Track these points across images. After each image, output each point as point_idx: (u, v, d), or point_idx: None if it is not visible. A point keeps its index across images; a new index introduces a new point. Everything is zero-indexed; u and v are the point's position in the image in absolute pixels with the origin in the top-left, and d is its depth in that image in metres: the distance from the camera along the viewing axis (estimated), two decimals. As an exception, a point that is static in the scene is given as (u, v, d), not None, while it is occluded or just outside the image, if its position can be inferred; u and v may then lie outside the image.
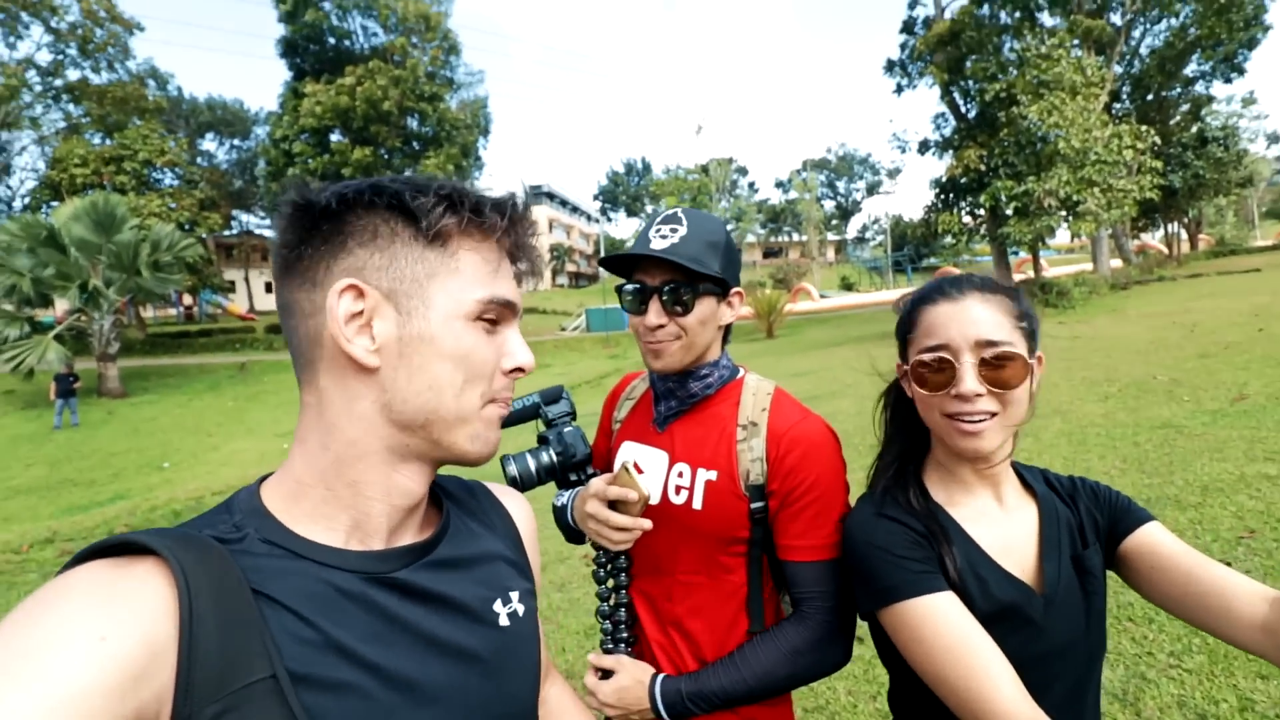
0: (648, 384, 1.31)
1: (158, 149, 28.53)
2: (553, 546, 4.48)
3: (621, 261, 1.17)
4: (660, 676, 1.14)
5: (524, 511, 0.83)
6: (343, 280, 0.58)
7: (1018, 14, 16.84)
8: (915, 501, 0.99)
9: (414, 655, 0.59)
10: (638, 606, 1.22)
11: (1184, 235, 31.22)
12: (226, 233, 38.72)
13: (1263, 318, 9.47)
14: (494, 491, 0.83)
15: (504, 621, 0.68)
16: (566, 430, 1.16)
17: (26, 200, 31.93)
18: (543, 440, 1.16)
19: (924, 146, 19.02)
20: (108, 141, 29.22)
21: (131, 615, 0.47)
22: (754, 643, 1.10)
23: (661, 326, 1.13)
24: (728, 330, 1.23)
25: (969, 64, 16.96)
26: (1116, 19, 18.13)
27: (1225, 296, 12.86)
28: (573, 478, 1.22)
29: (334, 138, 28.19)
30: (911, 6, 19.32)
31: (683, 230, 1.12)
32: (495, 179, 60.33)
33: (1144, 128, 14.76)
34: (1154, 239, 36.95)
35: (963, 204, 17.71)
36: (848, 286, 43.49)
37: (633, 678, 1.14)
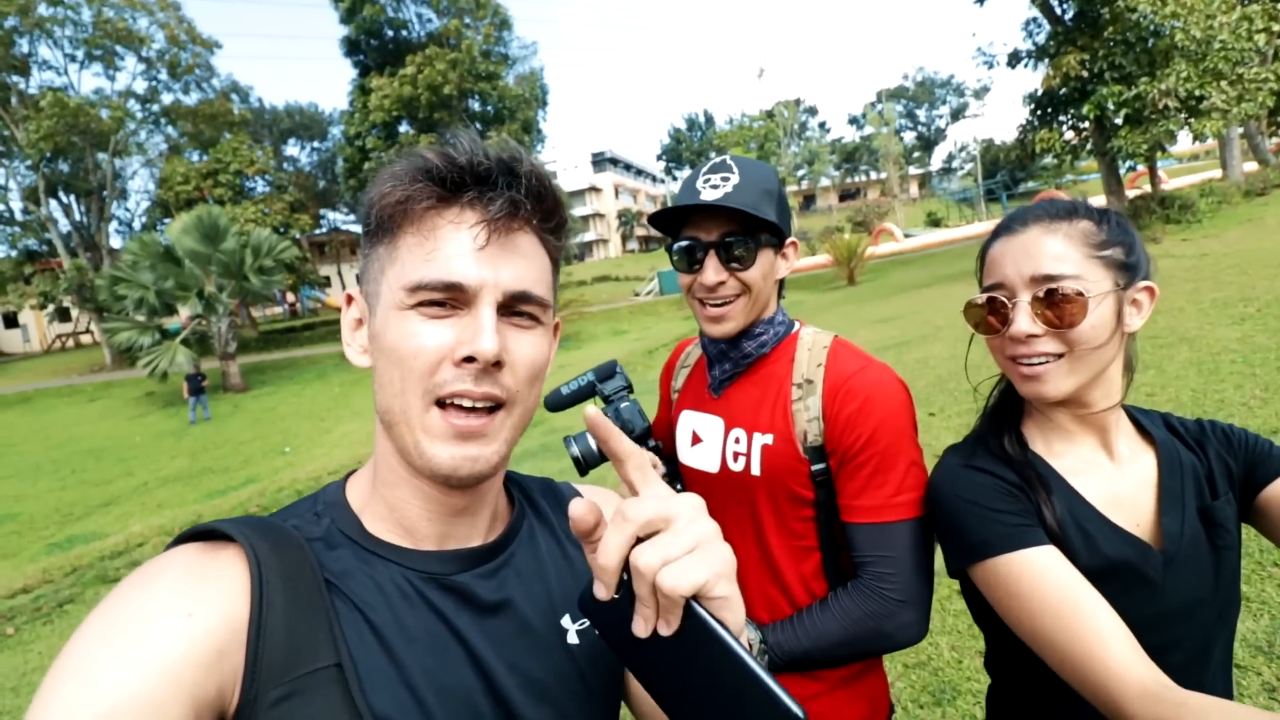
0: (700, 350, 1.24)
1: (247, 159, 30.51)
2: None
3: (670, 217, 1.08)
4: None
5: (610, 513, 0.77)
6: (347, 291, 0.64)
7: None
8: (1011, 450, 0.89)
9: (465, 672, 0.57)
10: None
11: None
12: (317, 231, 41.12)
13: None
14: (582, 493, 0.78)
15: (573, 639, 0.63)
16: (624, 406, 1.11)
17: (143, 220, 35.12)
18: (604, 415, 1.12)
19: (1014, 59, 17.26)
20: (204, 157, 31.51)
21: (215, 595, 0.50)
22: (814, 606, 1.04)
23: (721, 284, 1.04)
24: (781, 284, 1.15)
25: (1062, -43, 15.15)
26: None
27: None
28: None
29: (402, 129, 29.02)
30: (990, -98, 17.42)
31: (735, 178, 1.03)
32: (557, 150, 60.44)
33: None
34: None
35: (1063, 118, 16.04)
36: (935, 223, 40.82)
37: None
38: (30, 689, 4.07)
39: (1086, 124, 15.27)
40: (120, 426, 17.04)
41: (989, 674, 1.02)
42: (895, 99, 63.99)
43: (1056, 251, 0.83)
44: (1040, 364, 0.84)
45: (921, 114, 67.03)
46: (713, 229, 1.04)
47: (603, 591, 0.43)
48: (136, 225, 35.26)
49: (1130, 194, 16.41)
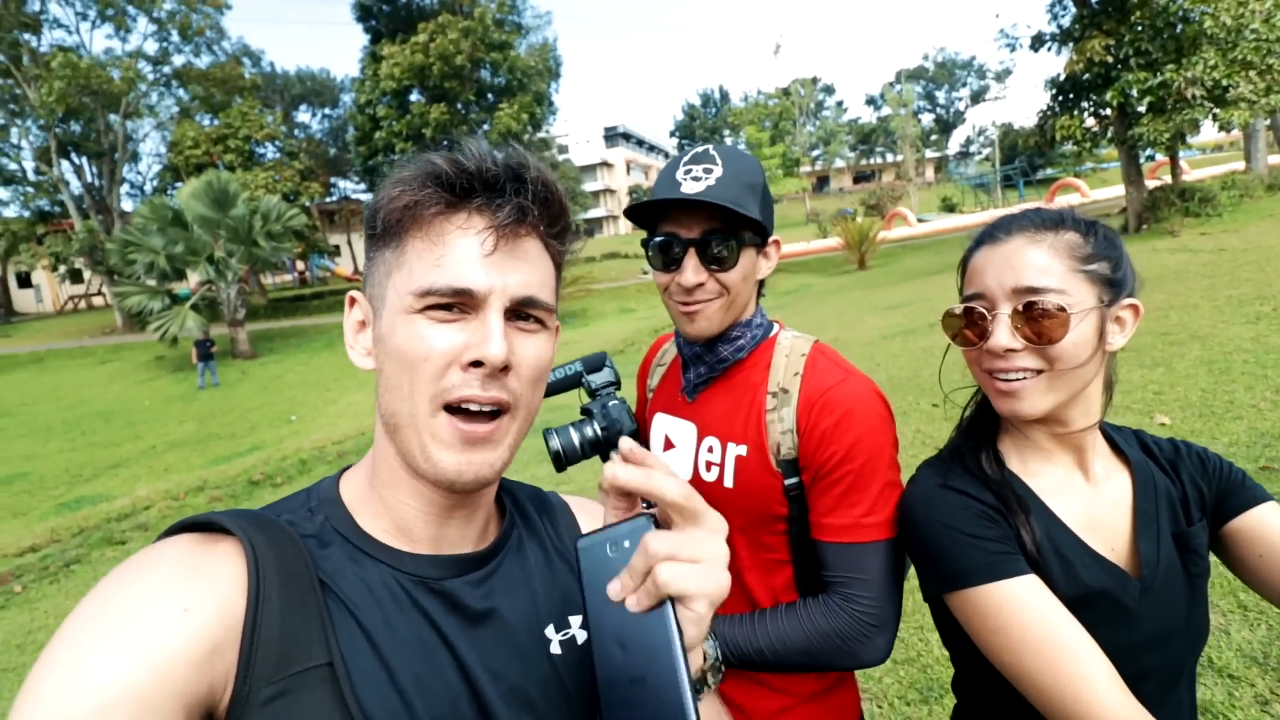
0: (678, 349, 1.18)
1: (257, 124, 30.32)
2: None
3: (647, 210, 1.01)
4: None
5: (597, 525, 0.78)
6: (350, 293, 0.64)
7: None
8: (988, 468, 0.86)
9: (450, 678, 0.57)
10: None
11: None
12: (327, 199, 41.00)
13: None
14: (572, 507, 0.77)
15: (555, 649, 0.64)
16: (612, 404, 1.06)
17: (154, 183, 35.10)
18: (586, 413, 1.07)
19: (1038, 41, 16.82)
20: (214, 121, 31.34)
21: (211, 590, 0.50)
22: (780, 609, 0.99)
23: (700, 285, 0.98)
24: (761, 284, 1.10)
25: (1093, -63, 14.68)
26: None
27: None
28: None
29: (413, 97, 28.72)
30: (1021, -123, 16.85)
31: (718, 170, 0.96)
32: (569, 124, 59.73)
33: (1319, -10, 12.31)
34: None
35: (1085, 104, 15.68)
36: (950, 208, 40.25)
37: None
38: (36, 646, 4.17)
39: (1108, 111, 14.93)
40: (130, 389, 17.23)
41: (955, 695, 1.01)
42: (914, 80, 62.68)
43: (1040, 264, 0.79)
44: (1018, 380, 0.81)
45: (941, 96, 65.69)
46: (693, 225, 0.98)
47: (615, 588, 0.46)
48: (148, 189, 35.26)
49: (1150, 184, 16.07)
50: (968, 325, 0.85)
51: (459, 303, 0.56)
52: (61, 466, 10.86)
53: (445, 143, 0.61)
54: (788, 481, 0.98)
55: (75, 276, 35.46)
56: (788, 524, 1.01)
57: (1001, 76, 59.53)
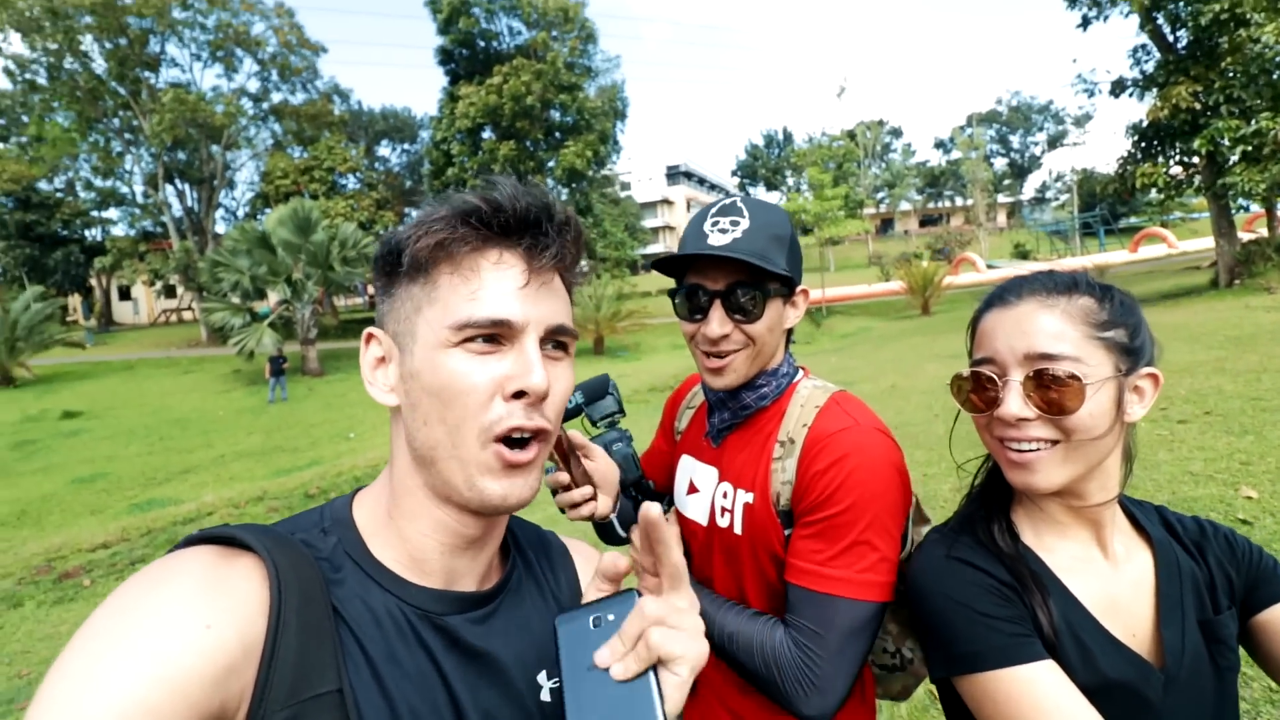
0: (704, 394, 1.18)
1: (341, 157, 32.40)
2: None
3: (675, 261, 1.02)
4: None
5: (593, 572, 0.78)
6: (367, 330, 0.63)
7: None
8: (1001, 541, 0.80)
9: (446, 715, 0.57)
10: None
11: None
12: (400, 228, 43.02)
13: None
14: (570, 548, 0.78)
15: (545, 696, 0.64)
16: (617, 448, 1.06)
17: (246, 209, 37.77)
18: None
19: (1119, 87, 16.22)
20: (303, 153, 33.66)
21: (233, 608, 0.49)
22: (747, 612, 0.97)
23: (726, 336, 0.99)
24: (789, 333, 1.08)
25: (1179, -18, 14.18)
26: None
27: None
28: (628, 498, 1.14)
29: (485, 135, 30.09)
30: (1103, -76, 16.48)
31: (745, 223, 0.97)
32: (632, 161, 61.14)
33: None
34: None
35: (1170, 151, 14.96)
36: (1023, 255, 38.79)
37: None
38: (94, 642, 4.36)
39: (1196, 159, 14.18)
40: (207, 400, 18.28)
41: None
42: (987, 123, 61.33)
43: (1054, 329, 0.75)
44: (1031, 451, 0.76)
45: (1015, 140, 63.95)
46: (719, 277, 0.98)
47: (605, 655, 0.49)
48: (240, 214, 37.96)
49: (1244, 237, 15.10)
50: (976, 390, 0.80)
51: (497, 333, 0.58)
52: (138, 469, 11.55)
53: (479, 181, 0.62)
54: (787, 532, 0.96)
55: (169, 292, 38.28)
56: None
57: (1081, 121, 57.50)
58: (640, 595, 0.52)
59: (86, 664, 0.43)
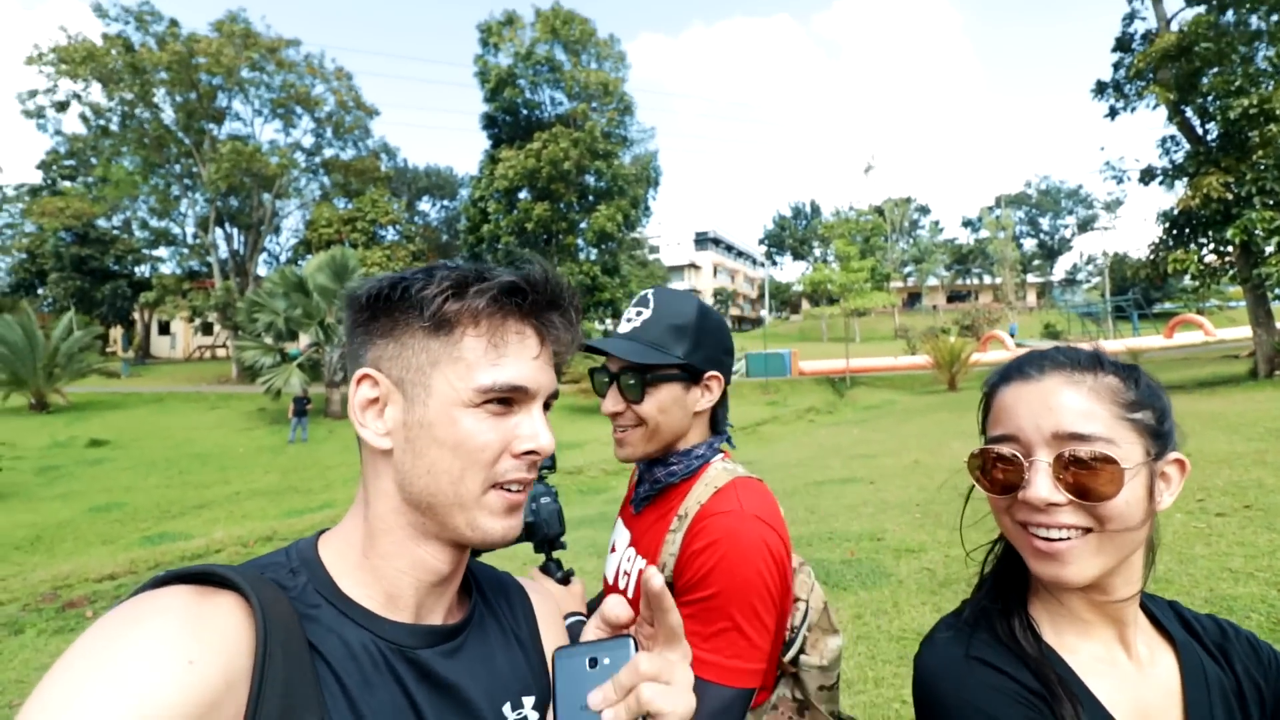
0: None
1: (384, 210, 33.83)
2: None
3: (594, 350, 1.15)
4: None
5: (548, 607, 0.81)
6: (360, 370, 0.64)
7: (1274, 17, 14.06)
8: (1024, 641, 0.73)
9: None
10: None
11: None
12: (433, 279, 44.26)
13: None
14: (526, 587, 0.81)
15: None
16: (544, 503, 1.15)
17: (289, 254, 39.33)
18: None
19: (1148, 175, 16.33)
20: (348, 204, 35.21)
21: (217, 644, 0.49)
22: None
23: (619, 414, 1.10)
24: (715, 414, 1.15)
25: (1206, 79, 14.40)
26: None
27: None
28: (551, 552, 1.24)
29: (521, 195, 31.22)
30: (1128, 22, 17.00)
31: (647, 314, 1.10)
32: (661, 226, 62.65)
33: None
34: None
35: (1202, 239, 14.88)
36: (1053, 335, 38.35)
37: None
38: (85, 676, 4.27)
39: (1230, 248, 14.07)
40: (229, 436, 18.51)
41: None
42: (1016, 204, 61.96)
43: (1082, 407, 0.70)
44: (1062, 540, 0.69)
45: (1045, 222, 64.33)
46: (616, 361, 1.09)
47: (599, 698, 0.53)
48: (282, 259, 39.51)
49: (1282, 328, 14.75)
50: (995, 468, 0.74)
51: (511, 397, 0.63)
52: (154, 501, 11.62)
53: (510, 260, 0.68)
54: None
55: (207, 329, 39.54)
56: None
57: (1111, 206, 57.63)
58: (635, 644, 0.56)
59: (65, 699, 0.43)
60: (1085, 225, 62.21)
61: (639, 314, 1.10)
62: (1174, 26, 15.61)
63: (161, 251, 39.80)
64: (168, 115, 31.95)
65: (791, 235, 68.84)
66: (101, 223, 36.82)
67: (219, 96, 32.41)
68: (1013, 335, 36.06)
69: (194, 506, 10.99)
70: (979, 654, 0.73)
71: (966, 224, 66.24)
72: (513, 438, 0.63)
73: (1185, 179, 14.91)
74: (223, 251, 34.41)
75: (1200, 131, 15.16)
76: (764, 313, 64.67)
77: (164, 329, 43.69)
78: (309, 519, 9.01)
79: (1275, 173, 12.76)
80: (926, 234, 62.97)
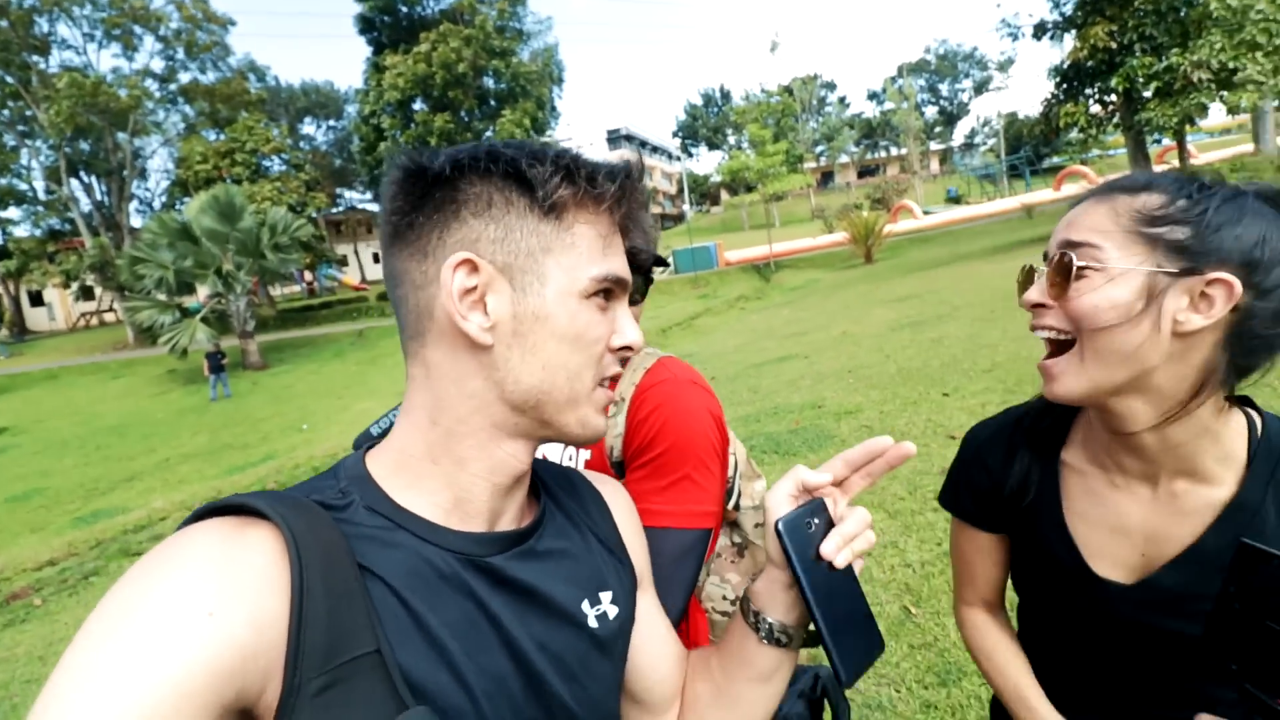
0: None
1: (263, 138, 30.59)
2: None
3: None
4: None
5: (623, 501, 0.80)
6: (458, 254, 0.56)
7: None
8: (1028, 444, 0.88)
9: (498, 652, 0.58)
10: None
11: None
12: (333, 210, 41.27)
13: None
14: (593, 481, 0.79)
15: (592, 623, 0.65)
16: None
17: (163, 199, 35.50)
18: None
19: (1040, 30, 16.70)
20: (221, 136, 31.68)
21: (241, 590, 0.47)
22: None
23: None
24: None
25: (1093, -77, 14.55)
26: None
27: None
28: None
29: (416, 107, 28.91)
30: None
31: None
32: (571, 128, 59.88)
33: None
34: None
35: (1090, 91, 15.57)
36: (955, 199, 39.98)
37: None
38: (56, 657, 4.19)
39: (1114, 97, 14.82)
40: (143, 403, 17.38)
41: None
42: (916, 73, 62.30)
43: (1090, 222, 0.72)
44: (1050, 346, 0.76)
45: (944, 88, 65.23)
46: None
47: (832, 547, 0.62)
48: (156, 204, 35.64)
49: (1157, 169, 15.92)
50: (1020, 284, 0.81)
51: (613, 292, 0.62)
52: (76, 481, 10.95)
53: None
54: (622, 480, 1.03)
55: (87, 293, 35.86)
56: None
57: (1004, 66, 58.96)
58: (824, 502, 0.64)
59: (86, 668, 0.42)
60: (981, 88, 63.56)
61: None
62: None
63: (11, 212, 34.99)
64: (-23, 49, 27.16)
65: (705, 125, 67.25)
66: (-74, 187, 31.85)
67: (37, 21, 27.66)
68: (952, 198, 37.56)
69: (122, 480, 10.44)
70: (987, 439, 0.92)
71: (871, 97, 66.37)
72: (612, 334, 0.62)
73: (1074, 31, 15.33)
74: (85, 204, 30.59)
75: (1087, -20, 15.46)
76: (685, 207, 64.08)
77: (36, 299, 39.30)
78: (253, 473, 8.78)
79: (1154, 18, 13.30)
80: (834, 111, 62.88)
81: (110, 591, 0.46)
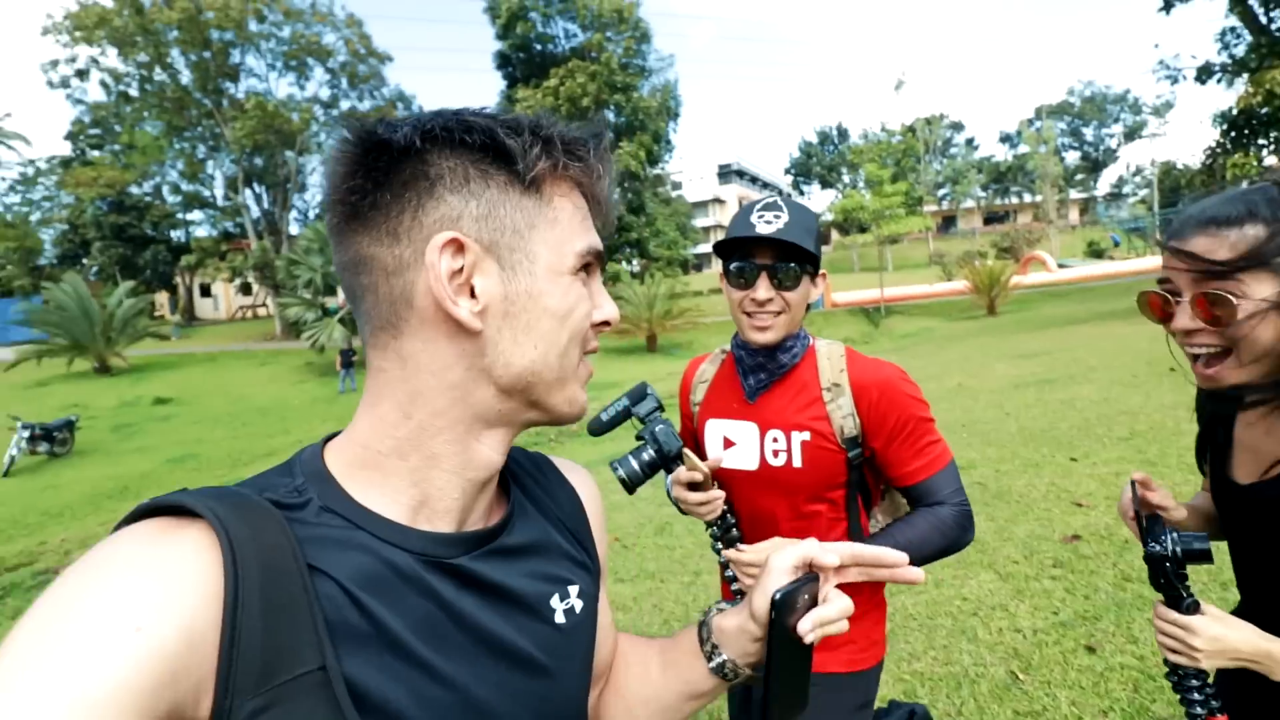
0: (716, 365, 1.47)
1: (406, 160, 33.49)
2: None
3: (729, 245, 1.31)
4: None
5: (590, 490, 0.77)
6: (442, 233, 0.52)
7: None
8: (1216, 395, 1.06)
9: (466, 654, 0.55)
10: None
11: None
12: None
13: None
14: (561, 468, 0.76)
15: (560, 619, 0.63)
16: (659, 428, 1.23)
17: (317, 210, 39.51)
18: (640, 439, 1.25)
19: (1205, 73, 15.32)
20: (371, 157, 34.99)
21: (170, 601, 0.43)
22: (910, 517, 1.28)
23: (769, 300, 1.26)
24: (808, 307, 1.35)
25: (1277, -39, 13.24)
26: None
27: None
28: (673, 467, 1.33)
29: (542, 136, 30.59)
30: (1190, -99, 15.52)
31: (785, 216, 1.25)
32: (683, 160, 60.97)
33: None
34: None
35: (1263, 140, 14.05)
36: (1097, 253, 36.86)
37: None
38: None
39: (1295, 149, 13.27)
40: (283, 390, 19.30)
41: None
42: (1057, 115, 58.44)
43: (1220, 256, 0.88)
44: (1209, 354, 0.93)
45: (1089, 133, 60.68)
46: (767, 255, 1.26)
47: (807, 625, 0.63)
48: (311, 215, 39.80)
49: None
50: (1155, 305, 1.01)
51: (593, 266, 0.61)
52: (225, 451, 12.35)
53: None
54: (851, 454, 1.28)
55: (246, 289, 40.45)
56: (847, 488, 1.31)
57: (1160, 111, 54.09)
58: (818, 578, 0.66)
59: (5, 691, 0.38)
60: (1132, 134, 58.55)
61: (776, 216, 1.25)
62: (1242, -96, 14.25)
63: (195, 215, 40.44)
64: (185, 76, 31.86)
65: (819, 162, 66.43)
66: (134, 190, 37.39)
67: (231, 53, 32.10)
68: (1115, 244, 35.27)
69: (263, 455, 11.65)
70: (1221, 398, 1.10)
71: (1004, 139, 63.01)
72: (593, 306, 0.61)
73: (1246, 75, 13.96)
74: (254, 212, 34.81)
75: (1264, 20, 14.04)
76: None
77: (205, 291, 44.89)
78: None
79: (1350, 62, 11.87)
80: (961, 153, 60.21)
81: (35, 605, 0.42)
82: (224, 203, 37.20)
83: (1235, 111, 14.01)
